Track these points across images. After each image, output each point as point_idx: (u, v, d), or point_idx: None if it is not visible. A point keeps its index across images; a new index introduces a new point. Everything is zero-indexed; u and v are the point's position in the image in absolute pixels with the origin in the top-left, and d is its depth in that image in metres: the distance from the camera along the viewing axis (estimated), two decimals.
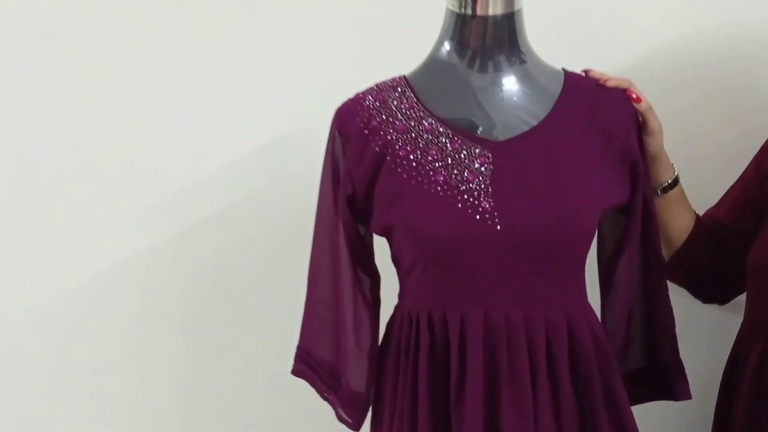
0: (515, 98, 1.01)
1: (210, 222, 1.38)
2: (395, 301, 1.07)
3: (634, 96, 1.02)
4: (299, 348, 1.09)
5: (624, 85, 1.03)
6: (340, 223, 1.04)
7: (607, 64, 1.14)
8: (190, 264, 1.39)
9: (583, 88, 1.03)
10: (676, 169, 1.10)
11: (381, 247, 1.07)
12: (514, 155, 0.97)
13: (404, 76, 1.05)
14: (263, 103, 1.35)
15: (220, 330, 1.41)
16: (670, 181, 1.09)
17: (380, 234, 1.04)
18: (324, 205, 1.07)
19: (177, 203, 1.37)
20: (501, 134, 0.99)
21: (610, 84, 1.03)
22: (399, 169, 0.98)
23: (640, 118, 1.03)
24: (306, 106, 1.29)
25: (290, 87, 1.34)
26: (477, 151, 0.97)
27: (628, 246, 1.04)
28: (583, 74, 1.06)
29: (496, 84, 1.01)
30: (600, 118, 1.01)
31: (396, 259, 1.04)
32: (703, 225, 1.13)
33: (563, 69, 1.06)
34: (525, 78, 1.02)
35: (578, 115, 1.01)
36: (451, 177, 0.96)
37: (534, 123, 0.99)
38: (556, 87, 1.03)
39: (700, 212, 1.15)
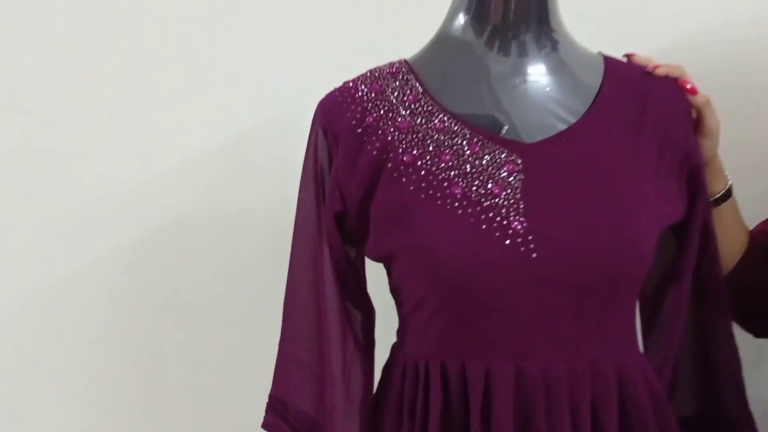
0: (547, 89, 0.80)
1: (161, 233, 1.18)
2: (391, 334, 0.87)
3: (689, 86, 0.83)
4: (272, 397, 0.87)
5: (675, 73, 0.83)
6: (326, 246, 0.83)
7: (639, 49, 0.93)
8: (136, 283, 1.18)
9: (627, 78, 0.83)
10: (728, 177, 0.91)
11: (373, 268, 0.87)
12: (550, 161, 0.76)
13: (405, 61, 0.83)
14: (230, 87, 1.13)
15: (174, 363, 1.20)
16: (722, 192, 0.89)
17: (377, 260, 0.82)
18: (305, 224, 0.85)
19: (120, 209, 1.16)
20: (531, 134, 0.78)
21: (660, 72, 0.83)
22: (404, 179, 0.77)
23: (694, 115, 0.84)
24: (284, 91, 1.08)
25: (265, 65, 1.13)
26: (503, 156, 0.76)
27: (682, 273, 0.84)
28: (625, 60, 0.86)
29: (521, 71, 0.80)
30: (652, 115, 0.80)
31: (397, 292, 0.82)
32: (758, 244, 0.94)
33: (601, 53, 0.85)
34: (557, 63, 0.81)
35: (625, 111, 0.80)
36: (471, 189, 0.75)
37: (571, 120, 0.79)
38: (596, 75, 0.82)
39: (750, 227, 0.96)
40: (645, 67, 0.84)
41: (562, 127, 0.78)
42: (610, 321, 0.76)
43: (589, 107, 0.80)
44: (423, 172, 0.76)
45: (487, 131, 0.77)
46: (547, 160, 0.76)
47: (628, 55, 0.86)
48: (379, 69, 0.83)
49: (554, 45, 0.81)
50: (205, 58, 1.14)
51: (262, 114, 1.15)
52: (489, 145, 0.77)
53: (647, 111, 0.80)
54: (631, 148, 0.79)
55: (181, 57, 1.14)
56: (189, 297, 1.19)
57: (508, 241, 0.73)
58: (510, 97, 0.79)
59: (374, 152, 0.78)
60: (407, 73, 0.82)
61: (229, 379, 1.20)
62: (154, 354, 1.20)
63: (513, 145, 0.77)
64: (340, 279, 0.85)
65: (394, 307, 0.86)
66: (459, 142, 0.77)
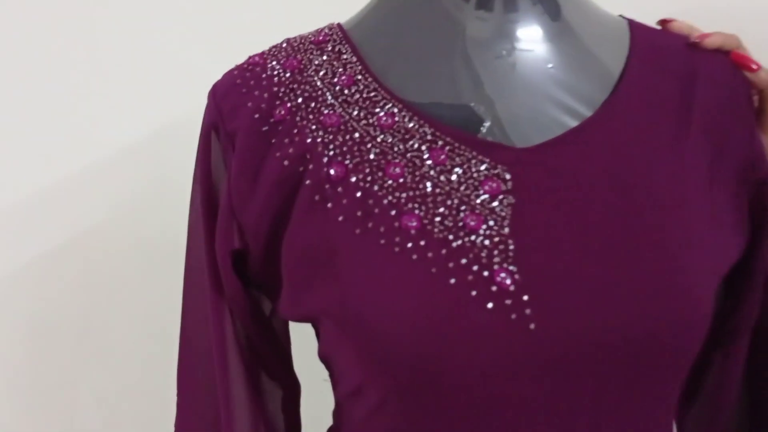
0: (549, 66, 0.53)
1: (69, 250, 0.97)
2: (326, 414, 0.61)
3: (754, 66, 0.57)
4: None
5: (730, 44, 0.58)
6: (224, 300, 0.56)
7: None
8: (39, 311, 0.97)
9: (664, 52, 0.57)
10: None
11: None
12: (554, 176, 0.50)
13: (339, 25, 0.57)
14: (152, 73, 0.92)
15: (89, 407, 1.00)
16: None
17: (296, 321, 0.56)
18: (195, 267, 0.59)
19: (18, 221, 0.95)
20: (524, 135, 0.51)
21: (711, 43, 0.57)
22: (329, 204, 0.50)
23: (755, 100, 0.58)
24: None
25: (193, 49, 0.91)
26: (483, 168, 0.50)
27: (737, 333, 0.59)
28: (659, 28, 0.60)
29: (508, 34, 0.53)
30: (702, 105, 0.55)
31: (329, 365, 0.56)
32: None
33: (623, 17, 0.59)
34: (561, 28, 0.55)
35: (663, 101, 0.54)
36: (432, 221, 0.48)
37: (585, 113, 0.53)
38: (618, 48, 0.56)
39: None
40: (688, 38, 0.58)
41: (572, 123, 0.52)
42: (642, 415, 0.50)
43: (611, 94, 0.53)
44: (359, 194, 0.50)
45: (459, 130, 0.51)
46: (549, 176, 0.50)
47: (663, 22, 0.60)
48: (301, 38, 0.57)
49: (556, 1, 0.54)
50: (122, 44, 0.93)
51: (194, 105, 0.89)
52: (461, 152, 0.50)
53: (695, 100, 0.55)
54: (674, 155, 0.52)
55: (90, 43, 0.93)
56: (104, 328, 0.98)
57: (490, 304, 0.46)
58: (493, 76, 0.52)
59: (285, 162, 0.51)
60: (340, 42, 0.55)
61: (154, 424, 0.94)
62: (65, 395, 1.00)
63: (497, 152, 0.50)
64: (246, 344, 0.59)
65: (328, 379, 0.60)
66: (415, 146, 0.50)
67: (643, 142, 0.52)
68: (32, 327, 0.98)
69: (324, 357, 0.56)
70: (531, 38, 0.54)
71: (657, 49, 0.57)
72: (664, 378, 0.50)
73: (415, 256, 0.47)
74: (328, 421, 0.62)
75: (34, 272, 0.97)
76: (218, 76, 0.71)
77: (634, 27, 0.58)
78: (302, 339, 0.65)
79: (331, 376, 0.58)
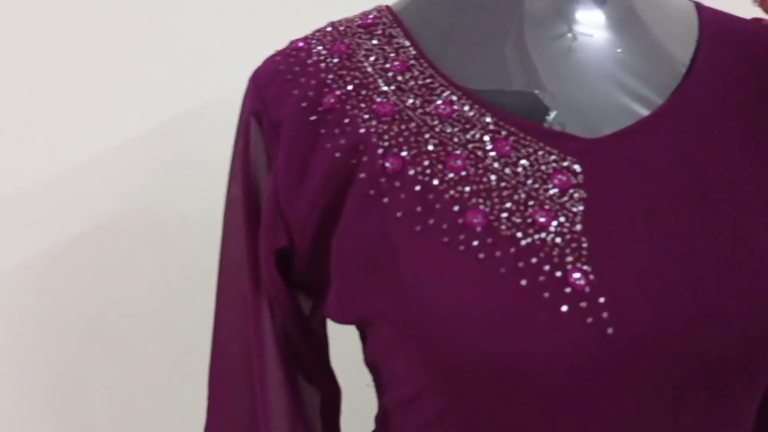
0: (618, 50, 0.50)
1: (78, 242, 0.93)
2: (366, 420, 0.58)
3: None
4: None
5: None
6: (264, 300, 0.53)
7: None
8: (48, 306, 0.93)
9: (736, 37, 0.53)
10: None
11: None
12: (628, 168, 0.47)
13: (387, 7, 0.53)
14: (165, 57, 0.88)
15: (98, 405, 0.96)
16: None
17: (344, 323, 0.52)
18: (233, 266, 0.55)
19: (25, 213, 0.92)
20: (594, 124, 0.48)
21: None
22: (386, 199, 0.46)
23: None
24: (236, 61, 0.79)
25: (213, 28, 0.88)
26: (551, 159, 0.46)
27: None
28: (726, 12, 0.57)
29: (567, 15, 0.50)
30: None
31: (377, 372, 0.53)
32: None
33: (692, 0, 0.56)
34: (625, 11, 0.51)
35: (737, 89, 0.51)
36: (499, 218, 0.45)
37: (656, 101, 0.49)
38: (687, 34, 0.53)
39: None
40: (763, 19, 0.54)
41: (643, 112, 0.48)
42: (725, 427, 0.47)
43: (682, 82, 0.50)
44: (418, 188, 0.46)
45: (524, 119, 0.47)
46: (622, 168, 0.46)
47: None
48: (347, 21, 0.53)
49: None
50: (135, 30, 0.89)
51: (209, 91, 0.90)
52: (526, 142, 0.46)
53: None
54: (753, 148, 0.49)
55: (103, 30, 0.89)
56: (115, 323, 0.95)
57: (564, 308, 0.43)
58: (556, 60, 0.49)
59: (337, 153, 0.48)
60: (390, 25, 0.51)
61: (166, 423, 0.96)
62: (74, 393, 0.97)
63: (565, 142, 0.47)
64: (286, 347, 0.55)
65: (372, 384, 0.56)
66: (477, 136, 0.47)
67: (720, 134, 0.49)
68: (42, 321, 0.94)
69: (372, 362, 0.53)
70: (592, 23, 0.50)
71: (728, 33, 0.53)
72: (751, 388, 0.46)
73: (481, 255, 0.44)
74: (369, 427, 0.59)
75: (44, 263, 0.93)
76: (233, 63, 0.67)
77: (702, 11, 0.54)
78: (342, 340, 0.62)
79: (379, 382, 0.54)
